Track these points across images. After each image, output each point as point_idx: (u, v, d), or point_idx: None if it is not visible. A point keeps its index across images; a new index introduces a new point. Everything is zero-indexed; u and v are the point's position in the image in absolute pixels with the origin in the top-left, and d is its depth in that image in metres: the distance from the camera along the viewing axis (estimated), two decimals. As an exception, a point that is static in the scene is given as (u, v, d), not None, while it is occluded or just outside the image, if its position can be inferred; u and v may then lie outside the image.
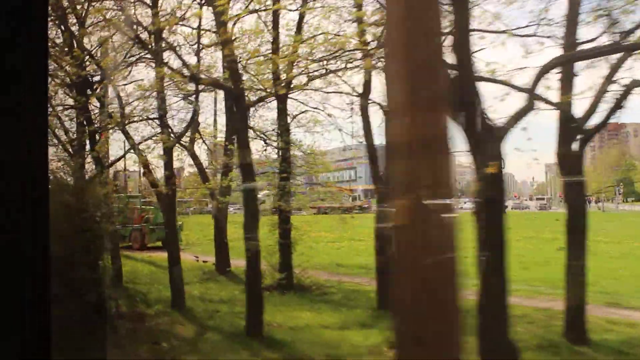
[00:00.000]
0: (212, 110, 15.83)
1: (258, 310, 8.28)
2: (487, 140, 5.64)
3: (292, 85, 12.05)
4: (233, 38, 8.22)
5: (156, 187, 10.60)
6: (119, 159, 13.66)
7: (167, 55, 9.89)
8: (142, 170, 10.47)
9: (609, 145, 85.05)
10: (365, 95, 10.89)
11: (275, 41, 11.96)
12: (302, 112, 13.63)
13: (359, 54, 11.20)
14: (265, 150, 16.91)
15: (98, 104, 12.08)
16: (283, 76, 11.34)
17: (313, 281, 13.68)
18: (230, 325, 9.45)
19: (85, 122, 11.31)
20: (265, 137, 16.38)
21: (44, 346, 1.55)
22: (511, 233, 6.52)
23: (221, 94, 13.99)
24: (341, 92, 11.54)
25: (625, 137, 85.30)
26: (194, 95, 10.44)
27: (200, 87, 10.01)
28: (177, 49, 9.70)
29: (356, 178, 51.08)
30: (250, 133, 16.78)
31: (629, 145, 79.37)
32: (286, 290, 12.82)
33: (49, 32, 12.16)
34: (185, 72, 8.53)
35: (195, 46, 10.28)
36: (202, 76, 8.13)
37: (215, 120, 17.17)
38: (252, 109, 15.59)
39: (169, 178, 10.23)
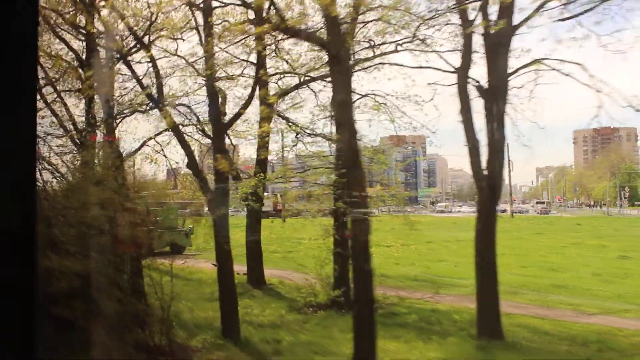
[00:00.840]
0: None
1: (370, 350, 6.00)
2: None
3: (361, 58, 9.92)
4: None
5: (206, 183, 8.24)
6: (138, 149, 11.26)
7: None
8: (185, 162, 8.26)
9: (603, 149, 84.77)
10: (464, 69, 8.74)
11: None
12: (363, 96, 11.37)
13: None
14: (296, 144, 14.74)
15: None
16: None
17: (372, 297, 11.43)
18: (315, 367, 7.15)
19: (109, 103, 8.90)
20: (299, 127, 14.17)
21: (30, 344, 1.51)
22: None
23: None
24: (429, 67, 9.31)
25: (619, 141, 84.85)
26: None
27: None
28: None
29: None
30: (278, 123, 14.59)
31: (621, 149, 78.70)
32: (343, 309, 10.56)
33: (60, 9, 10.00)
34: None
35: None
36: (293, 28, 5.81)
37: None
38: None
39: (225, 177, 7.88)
